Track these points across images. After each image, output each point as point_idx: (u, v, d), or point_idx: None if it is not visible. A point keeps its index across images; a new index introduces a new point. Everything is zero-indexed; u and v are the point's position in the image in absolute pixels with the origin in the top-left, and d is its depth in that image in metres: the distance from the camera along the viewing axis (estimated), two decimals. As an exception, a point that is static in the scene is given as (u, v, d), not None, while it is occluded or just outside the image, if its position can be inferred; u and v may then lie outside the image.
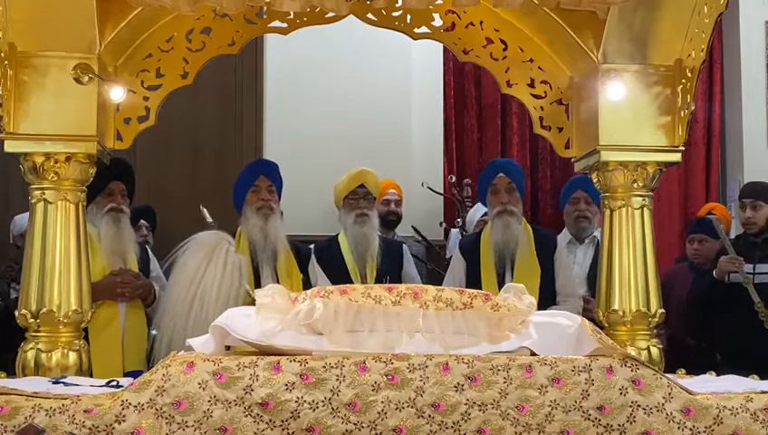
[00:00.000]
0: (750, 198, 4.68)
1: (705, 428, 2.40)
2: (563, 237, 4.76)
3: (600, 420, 2.37)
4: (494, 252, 4.14)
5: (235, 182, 4.07)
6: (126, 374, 3.38)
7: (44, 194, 3.13)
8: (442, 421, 2.32)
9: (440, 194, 6.26)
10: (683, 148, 3.42)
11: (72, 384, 2.64)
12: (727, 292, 4.52)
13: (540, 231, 4.35)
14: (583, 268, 4.61)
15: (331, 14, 3.43)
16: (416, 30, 3.63)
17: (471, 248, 4.28)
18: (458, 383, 2.35)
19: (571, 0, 3.05)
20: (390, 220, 5.29)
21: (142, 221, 4.97)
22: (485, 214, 4.95)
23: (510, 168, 4.33)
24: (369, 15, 3.57)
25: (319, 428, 2.29)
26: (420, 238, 5.88)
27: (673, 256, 5.93)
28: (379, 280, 4.12)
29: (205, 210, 4.17)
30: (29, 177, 3.17)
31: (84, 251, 3.18)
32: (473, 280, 4.10)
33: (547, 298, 4.01)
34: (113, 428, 2.27)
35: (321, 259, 4.18)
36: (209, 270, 3.65)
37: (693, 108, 3.35)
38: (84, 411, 2.28)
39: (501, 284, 3.79)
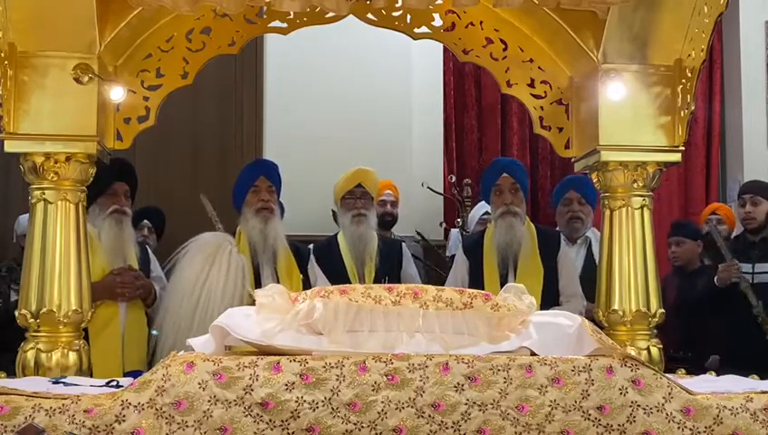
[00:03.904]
0: (750, 194, 4.69)
1: (705, 428, 2.40)
2: None
3: (600, 420, 2.37)
4: (497, 253, 4.13)
5: (235, 182, 4.07)
6: (126, 374, 3.38)
7: (44, 194, 3.13)
8: (442, 421, 2.32)
9: (440, 194, 6.27)
10: (683, 148, 3.42)
11: (71, 384, 2.64)
12: (727, 293, 4.52)
13: (543, 231, 4.33)
14: (576, 269, 4.60)
15: (331, 14, 3.43)
16: (416, 30, 3.63)
17: (474, 248, 4.28)
18: (458, 383, 2.35)
19: (571, 0, 3.05)
20: (387, 221, 5.28)
21: (145, 221, 4.97)
22: (486, 213, 4.95)
23: (514, 167, 4.31)
24: (369, 15, 3.57)
25: (319, 428, 2.29)
26: (420, 239, 5.89)
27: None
28: (378, 280, 4.12)
29: (206, 200, 4.15)
30: (29, 177, 3.17)
31: (84, 251, 3.18)
32: (475, 280, 4.09)
33: (550, 299, 4.01)
34: (113, 428, 2.27)
35: (320, 259, 4.18)
36: (213, 272, 3.65)
37: (693, 108, 3.34)
38: (84, 411, 2.28)
39: (504, 284, 3.79)
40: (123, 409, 2.28)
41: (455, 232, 5.86)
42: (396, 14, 3.59)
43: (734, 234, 5.43)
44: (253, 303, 2.73)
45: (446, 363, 2.37)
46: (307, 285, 3.82)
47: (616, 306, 3.36)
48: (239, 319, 2.55)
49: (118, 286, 3.71)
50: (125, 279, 3.73)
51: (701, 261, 5.21)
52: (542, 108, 3.71)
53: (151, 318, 3.83)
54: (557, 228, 4.82)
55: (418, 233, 5.90)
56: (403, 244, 4.71)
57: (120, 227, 3.81)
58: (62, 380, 2.75)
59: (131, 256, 3.85)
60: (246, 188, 3.98)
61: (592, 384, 2.39)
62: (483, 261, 4.17)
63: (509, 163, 4.47)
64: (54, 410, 2.28)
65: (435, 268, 5.52)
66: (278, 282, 3.66)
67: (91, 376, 3.15)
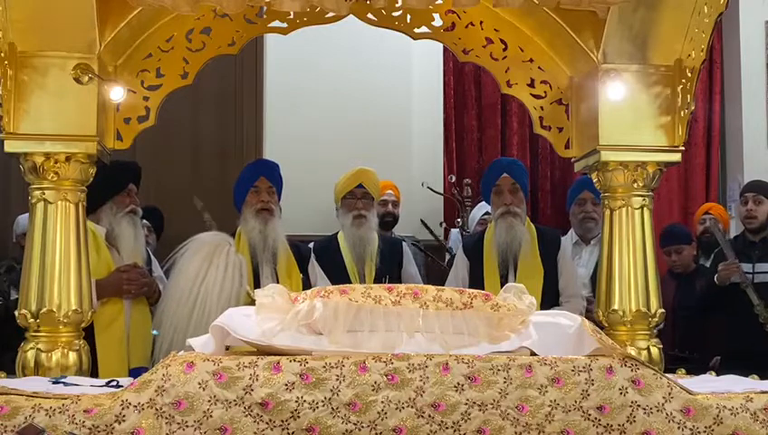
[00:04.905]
0: (753, 193, 4.69)
1: (705, 428, 2.40)
2: (569, 238, 4.76)
3: (600, 420, 2.37)
4: (498, 253, 4.13)
5: (236, 182, 4.08)
6: (131, 371, 3.40)
7: (44, 194, 3.13)
8: (442, 421, 2.32)
9: (440, 194, 6.27)
10: (683, 148, 3.42)
11: (72, 384, 2.64)
12: (727, 292, 4.52)
13: (544, 231, 4.33)
14: (588, 270, 4.60)
15: (330, 14, 3.43)
16: (416, 30, 3.63)
17: (474, 248, 4.28)
18: (458, 383, 2.35)
19: (571, 0, 3.05)
20: (387, 221, 5.28)
21: (144, 221, 4.98)
22: (487, 213, 4.95)
23: (514, 168, 4.31)
24: (370, 15, 3.57)
25: (319, 428, 2.29)
26: (429, 233, 5.91)
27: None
28: (378, 279, 4.12)
29: (198, 202, 4.15)
30: (29, 177, 3.17)
31: (84, 251, 3.18)
32: (475, 280, 4.09)
33: (550, 299, 4.01)
34: (113, 428, 2.27)
35: (321, 257, 4.18)
36: (210, 272, 3.65)
37: (693, 108, 3.35)
38: (84, 411, 2.28)
39: (504, 284, 3.78)
40: (123, 409, 2.29)
41: (455, 232, 5.86)
42: (396, 14, 3.59)
43: (731, 234, 5.44)
44: (250, 303, 2.73)
45: (446, 363, 2.37)
46: (307, 284, 3.83)
47: (616, 306, 3.36)
48: (239, 319, 2.54)
49: (124, 283, 3.71)
50: (131, 276, 3.74)
51: (695, 261, 5.21)
52: (542, 108, 3.71)
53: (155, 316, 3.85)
54: (571, 229, 4.83)
55: (423, 222, 5.89)
56: (404, 243, 4.71)
57: (136, 227, 3.85)
58: (62, 380, 2.75)
59: (141, 253, 3.87)
60: (246, 188, 3.98)
61: (592, 384, 2.39)
62: (483, 261, 4.17)
63: (509, 163, 4.46)
64: (54, 410, 2.28)
65: (438, 261, 5.53)
66: (277, 282, 3.67)
67: (96, 373, 3.16)
